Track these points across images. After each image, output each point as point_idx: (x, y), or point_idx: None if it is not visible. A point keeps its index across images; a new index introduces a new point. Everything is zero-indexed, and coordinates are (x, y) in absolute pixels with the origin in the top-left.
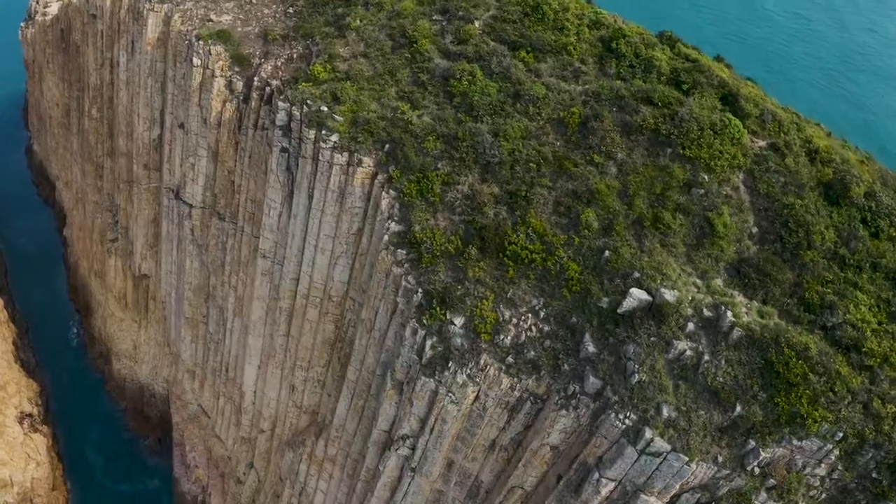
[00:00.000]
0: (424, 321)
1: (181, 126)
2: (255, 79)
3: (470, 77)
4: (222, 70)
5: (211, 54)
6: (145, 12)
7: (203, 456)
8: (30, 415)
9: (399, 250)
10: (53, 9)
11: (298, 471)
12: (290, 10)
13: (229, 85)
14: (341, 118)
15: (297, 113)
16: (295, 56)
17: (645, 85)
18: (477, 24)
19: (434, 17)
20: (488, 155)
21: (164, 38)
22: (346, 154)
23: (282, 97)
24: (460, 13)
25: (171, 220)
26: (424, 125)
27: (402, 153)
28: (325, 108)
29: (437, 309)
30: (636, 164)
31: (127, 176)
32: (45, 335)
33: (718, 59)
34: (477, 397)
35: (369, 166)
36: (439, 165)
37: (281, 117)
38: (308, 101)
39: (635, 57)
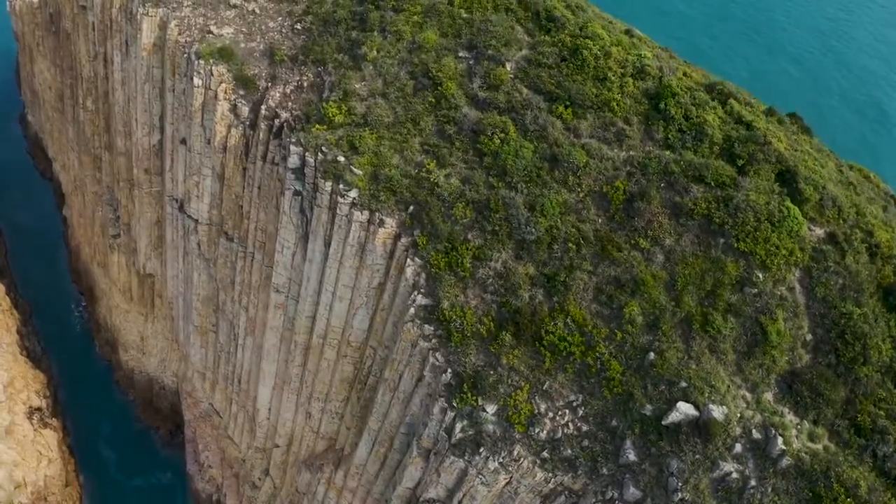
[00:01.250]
0: (454, 403)
1: (183, 142)
2: (263, 107)
3: (502, 135)
4: (226, 93)
5: (213, 75)
6: (139, 16)
7: (216, 456)
8: (39, 408)
9: (426, 325)
10: None
11: (316, 491)
12: (298, 25)
13: (234, 109)
14: (360, 171)
15: (310, 159)
16: (305, 84)
17: (696, 157)
18: (508, 66)
19: (460, 54)
20: (524, 231)
21: (160, 43)
22: (366, 212)
23: (294, 140)
24: (489, 52)
25: (175, 230)
26: (452, 188)
27: (427, 218)
28: (342, 159)
29: (469, 394)
30: (685, 254)
31: (126, 174)
32: (49, 319)
33: (771, 112)
34: (509, 482)
35: (392, 227)
36: (469, 236)
37: (293, 161)
38: (323, 148)
39: (685, 119)
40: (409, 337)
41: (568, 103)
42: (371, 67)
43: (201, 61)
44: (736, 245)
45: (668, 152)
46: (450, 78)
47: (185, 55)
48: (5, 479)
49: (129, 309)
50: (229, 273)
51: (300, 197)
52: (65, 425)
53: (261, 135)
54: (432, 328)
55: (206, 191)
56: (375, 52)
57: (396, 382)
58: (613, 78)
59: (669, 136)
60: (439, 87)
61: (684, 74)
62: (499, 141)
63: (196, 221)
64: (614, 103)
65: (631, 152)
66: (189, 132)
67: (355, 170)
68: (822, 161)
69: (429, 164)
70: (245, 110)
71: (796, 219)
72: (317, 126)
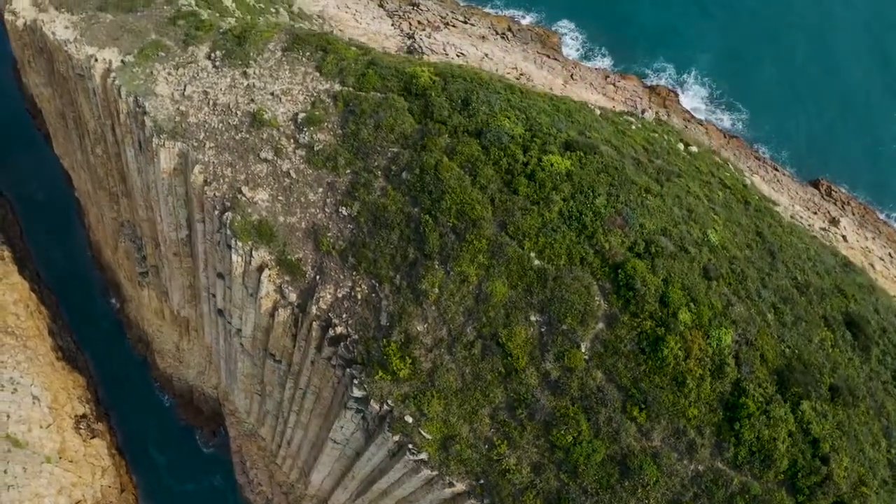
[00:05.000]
0: None
1: (220, 276)
2: (314, 307)
3: (575, 432)
4: (270, 278)
5: (253, 257)
6: (155, 146)
7: (264, 474)
8: (84, 415)
9: None
10: (20, 6)
11: None
12: (344, 210)
13: (279, 291)
14: (430, 436)
15: (375, 405)
16: (359, 296)
17: (760, 488)
18: (583, 347)
19: (531, 318)
20: None
21: (181, 168)
22: (435, 471)
23: (356, 381)
24: (563, 327)
25: (213, 316)
26: (523, 476)
27: (498, 497)
28: (410, 419)
29: None
30: None
31: (151, 234)
32: (77, 308)
33: (835, 390)
34: None
35: (461, 488)
36: None
37: (356, 393)
38: (388, 401)
39: (756, 439)
40: None
41: (643, 405)
42: (434, 309)
43: (239, 242)
44: None
45: (735, 476)
46: (520, 348)
47: (217, 212)
48: (67, 502)
49: (161, 324)
50: (278, 380)
51: (362, 414)
52: (110, 426)
53: (313, 333)
54: None
55: (249, 320)
56: (437, 291)
57: None
58: (691, 383)
59: (739, 455)
60: (509, 357)
61: (761, 357)
62: (571, 438)
63: (239, 331)
64: (690, 413)
65: (700, 467)
66: (228, 275)
67: (425, 434)
68: (875, 460)
69: (500, 447)
70: (293, 296)
71: None
72: (381, 373)
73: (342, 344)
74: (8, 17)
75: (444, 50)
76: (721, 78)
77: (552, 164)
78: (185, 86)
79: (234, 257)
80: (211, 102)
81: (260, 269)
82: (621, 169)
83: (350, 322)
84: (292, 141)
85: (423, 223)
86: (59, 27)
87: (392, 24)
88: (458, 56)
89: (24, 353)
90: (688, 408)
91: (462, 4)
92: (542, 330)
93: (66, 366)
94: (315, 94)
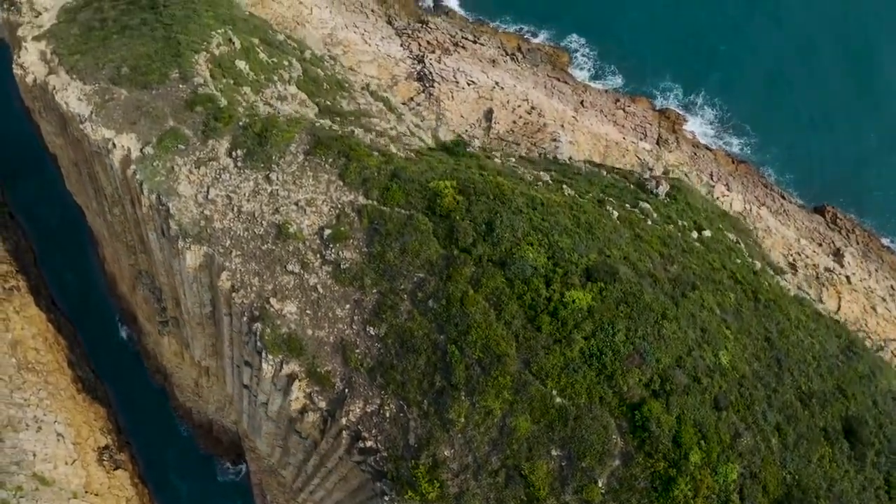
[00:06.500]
0: None
1: (247, 364)
2: (343, 419)
3: None
4: (300, 388)
5: (283, 368)
6: (180, 247)
7: None
8: (106, 447)
9: None
10: (28, 60)
11: None
12: (371, 330)
13: (309, 397)
14: None
15: None
16: (388, 415)
17: None
18: (600, 483)
19: (552, 453)
20: None
21: (206, 265)
22: None
23: (387, 497)
24: (583, 464)
25: (238, 379)
26: None
27: None
28: None
29: None
30: None
31: (172, 294)
32: (92, 333)
33: None
34: None
35: None
36: None
37: None
38: None
39: None
40: None
41: None
42: (460, 437)
43: (270, 356)
44: None
45: None
46: (542, 480)
47: (245, 318)
48: None
49: (181, 363)
50: (304, 451)
51: None
52: (132, 456)
53: (343, 440)
54: None
55: (275, 403)
56: (464, 420)
57: None
58: None
59: None
60: (531, 487)
61: (763, 489)
62: None
63: (265, 404)
64: None
65: None
66: (258, 371)
67: None
68: None
69: None
70: (322, 403)
71: None
72: (410, 493)
73: (372, 458)
74: (16, 70)
75: (455, 77)
76: (730, 99)
77: (574, 301)
78: (207, 188)
79: (265, 366)
80: (235, 209)
81: (290, 377)
82: (639, 295)
83: (379, 438)
84: (318, 256)
85: (449, 354)
86: (71, 98)
87: (401, 45)
88: (468, 84)
89: (47, 390)
90: None
91: (471, 21)
92: (563, 464)
93: (86, 397)
94: (339, 207)
